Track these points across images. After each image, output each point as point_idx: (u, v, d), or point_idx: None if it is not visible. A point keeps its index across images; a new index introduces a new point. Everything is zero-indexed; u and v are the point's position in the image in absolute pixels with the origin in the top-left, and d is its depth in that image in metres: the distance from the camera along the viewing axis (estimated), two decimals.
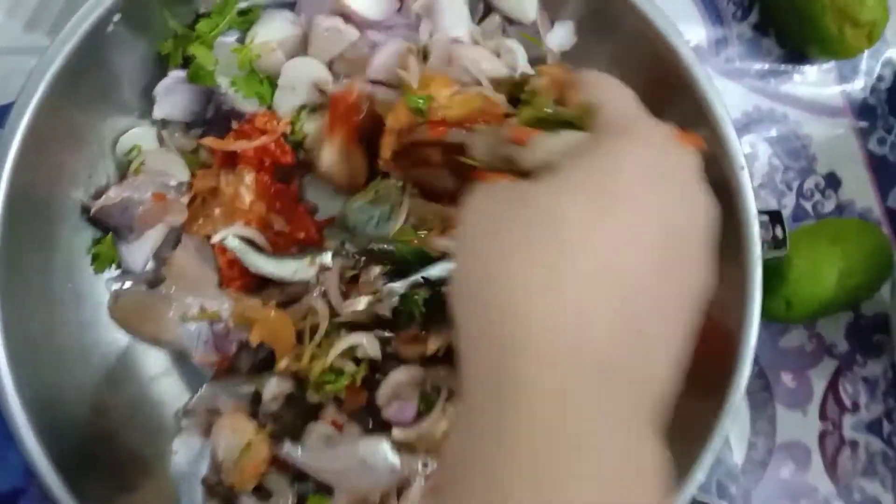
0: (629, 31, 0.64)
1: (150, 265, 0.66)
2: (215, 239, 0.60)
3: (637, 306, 0.30)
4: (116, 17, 0.58)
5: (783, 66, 0.79)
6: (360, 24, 0.64)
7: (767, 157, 0.79)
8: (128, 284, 0.64)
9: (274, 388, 0.60)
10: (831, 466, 0.79)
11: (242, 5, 0.64)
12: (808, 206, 0.80)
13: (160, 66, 0.64)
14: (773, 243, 0.66)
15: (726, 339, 0.63)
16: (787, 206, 0.79)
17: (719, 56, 0.78)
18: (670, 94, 0.64)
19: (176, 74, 0.64)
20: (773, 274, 0.71)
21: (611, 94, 0.39)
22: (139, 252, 0.65)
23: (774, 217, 0.66)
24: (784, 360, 0.79)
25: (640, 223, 0.31)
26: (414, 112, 0.56)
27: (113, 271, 0.65)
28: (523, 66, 0.65)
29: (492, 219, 0.33)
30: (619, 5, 0.64)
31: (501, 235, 0.32)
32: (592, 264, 0.30)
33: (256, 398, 0.62)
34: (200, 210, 0.64)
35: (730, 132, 0.63)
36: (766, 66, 0.79)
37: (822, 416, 0.80)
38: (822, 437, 0.79)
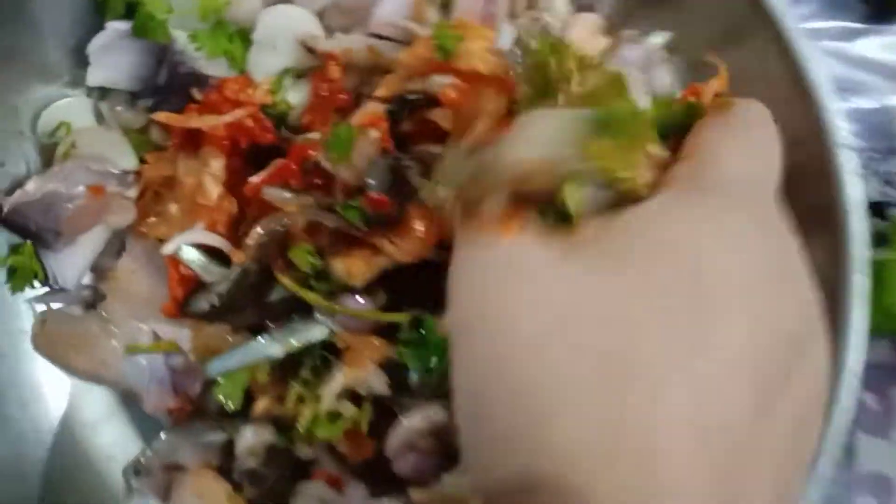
0: None
1: (87, 279, 0.51)
2: (167, 249, 0.46)
3: (731, 461, 0.22)
4: None
5: (866, 27, 0.66)
6: None
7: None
8: (57, 305, 0.49)
9: (251, 438, 0.46)
10: None
11: None
12: (892, 192, 0.67)
13: (96, 17, 0.49)
14: (874, 242, 0.53)
15: None
16: (868, 193, 0.66)
17: (792, 12, 0.64)
18: (752, 52, 0.52)
19: (116, 27, 0.49)
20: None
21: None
22: (70, 263, 0.49)
23: (874, 209, 0.54)
24: (867, 378, 0.67)
25: (737, 355, 0.23)
26: (438, 50, 0.42)
27: (36, 289, 0.51)
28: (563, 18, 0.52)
29: (501, 317, 0.24)
30: None
31: (522, 352, 0.23)
32: (669, 424, 0.22)
33: (229, 449, 0.48)
34: (152, 207, 0.49)
35: (826, 100, 0.50)
36: (847, 26, 0.66)
37: None
38: None
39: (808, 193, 0.51)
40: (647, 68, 0.53)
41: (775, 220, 0.27)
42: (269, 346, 0.44)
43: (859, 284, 0.50)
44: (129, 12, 0.49)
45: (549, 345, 0.23)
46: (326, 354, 0.46)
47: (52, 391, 0.52)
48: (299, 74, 0.50)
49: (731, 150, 0.29)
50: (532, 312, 0.23)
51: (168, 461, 0.48)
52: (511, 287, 0.24)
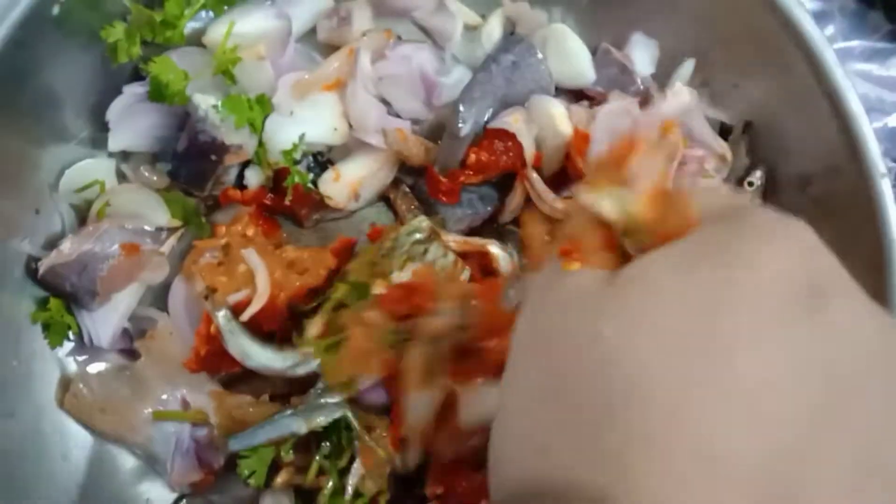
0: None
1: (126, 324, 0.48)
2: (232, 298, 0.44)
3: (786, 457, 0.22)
4: None
5: (892, 45, 0.63)
6: None
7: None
8: (93, 367, 0.47)
9: None
10: None
11: None
12: None
13: (110, 81, 0.47)
14: None
15: None
16: None
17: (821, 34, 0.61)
18: (795, 84, 0.49)
19: (134, 90, 0.46)
20: None
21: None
22: (105, 322, 0.47)
23: None
24: None
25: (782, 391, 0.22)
26: None
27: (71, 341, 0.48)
28: None
29: (549, 352, 0.26)
30: None
31: (563, 394, 0.25)
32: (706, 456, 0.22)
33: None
34: (222, 258, 0.47)
35: (866, 131, 0.48)
36: (873, 45, 0.62)
37: None
38: None
39: (850, 223, 0.48)
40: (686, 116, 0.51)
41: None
42: (294, 423, 0.41)
43: None
44: (141, 66, 0.46)
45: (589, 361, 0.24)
46: (348, 434, 0.44)
47: (94, 440, 0.49)
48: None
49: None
50: (581, 335, 0.25)
51: None
52: (568, 313, 0.26)
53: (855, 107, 0.47)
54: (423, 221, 0.45)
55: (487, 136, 0.48)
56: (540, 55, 0.50)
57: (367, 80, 0.48)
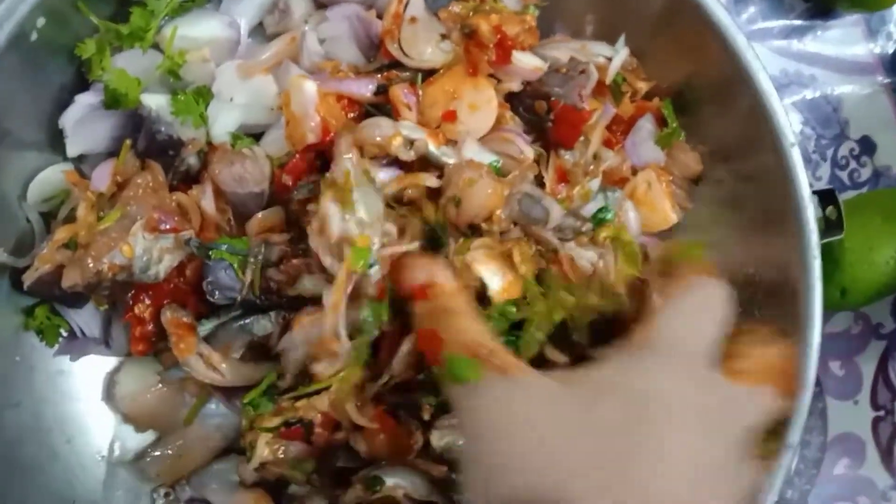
0: None
1: None
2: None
3: None
4: (41, 22, 0.42)
5: (808, 23, 0.65)
6: None
7: (799, 125, 0.66)
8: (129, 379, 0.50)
9: None
10: (887, 456, 0.68)
11: None
12: (843, 175, 0.66)
13: (63, 93, 0.46)
14: (826, 226, 0.53)
15: None
16: (822, 177, 0.66)
17: (740, 16, 0.64)
18: (705, 63, 0.52)
19: (86, 100, 0.46)
20: (825, 260, 0.58)
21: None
22: (94, 315, 0.48)
23: (826, 196, 0.53)
24: (830, 347, 0.67)
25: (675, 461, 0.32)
26: None
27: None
28: None
29: (513, 432, 0.33)
30: None
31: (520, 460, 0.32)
32: None
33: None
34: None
35: (775, 105, 0.50)
36: (790, 24, 0.65)
37: (874, 403, 0.68)
38: (876, 425, 0.68)
39: (767, 188, 0.51)
40: None
41: (702, 372, 0.36)
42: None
43: (817, 268, 0.51)
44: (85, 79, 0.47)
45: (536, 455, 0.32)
46: None
47: (96, 426, 0.51)
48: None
49: (677, 327, 0.38)
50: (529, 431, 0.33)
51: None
52: (518, 411, 0.33)
53: (766, 85, 0.49)
54: None
55: None
56: None
57: (313, 56, 0.48)
